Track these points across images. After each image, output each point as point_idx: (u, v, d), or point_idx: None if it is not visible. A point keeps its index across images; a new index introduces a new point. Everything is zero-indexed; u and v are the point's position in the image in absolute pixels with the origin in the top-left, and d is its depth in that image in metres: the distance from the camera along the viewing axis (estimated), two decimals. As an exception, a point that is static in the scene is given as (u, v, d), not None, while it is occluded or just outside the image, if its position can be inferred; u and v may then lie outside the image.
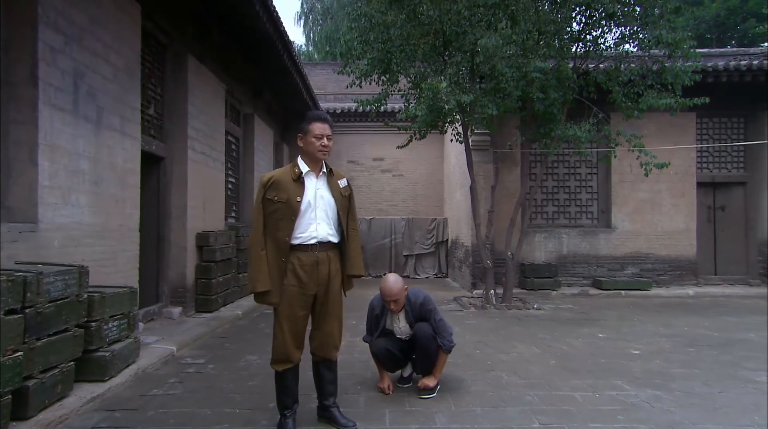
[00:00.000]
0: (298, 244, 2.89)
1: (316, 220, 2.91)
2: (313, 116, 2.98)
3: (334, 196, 2.97)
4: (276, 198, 2.85)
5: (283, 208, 2.85)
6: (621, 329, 6.20)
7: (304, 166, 2.94)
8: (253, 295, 2.91)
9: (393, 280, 3.59)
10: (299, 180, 2.90)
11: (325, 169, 3.01)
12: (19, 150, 3.86)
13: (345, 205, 3.04)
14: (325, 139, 2.92)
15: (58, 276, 3.30)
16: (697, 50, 7.60)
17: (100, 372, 3.67)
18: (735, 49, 12.22)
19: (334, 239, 2.98)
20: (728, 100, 9.77)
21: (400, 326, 3.69)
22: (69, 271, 3.43)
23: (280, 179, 2.89)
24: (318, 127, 2.92)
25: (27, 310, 2.99)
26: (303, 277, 2.88)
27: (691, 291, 9.45)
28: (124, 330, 4.03)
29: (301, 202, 2.87)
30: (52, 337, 3.21)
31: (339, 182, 3.04)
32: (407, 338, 3.71)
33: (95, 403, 3.42)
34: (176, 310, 6.38)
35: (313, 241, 2.90)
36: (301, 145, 2.98)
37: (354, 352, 4.88)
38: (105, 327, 3.77)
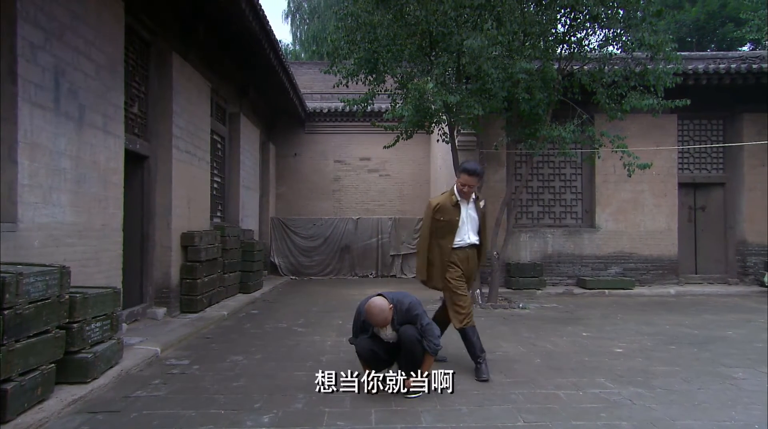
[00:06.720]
0: (457, 247, 4.27)
1: (468, 231, 4.30)
2: (463, 168, 4.23)
3: (477, 215, 4.36)
4: (441, 218, 4.24)
5: (446, 225, 4.24)
6: (604, 328, 6.29)
7: (458, 196, 4.24)
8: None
9: (378, 309, 3.52)
10: (456, 205, 4.24)
11: (473, 197, 4.32)
12: (-2, 148, 3.79)
13: (482, 219, 4.42)
14: (466, 186, 4.18)
15: (38, 276, 3.24)
16: (678, 53, 7.73)
17: (81, 374, 3.61)
18: (714, 52, 12.41)
19: (476, 242, 4.37)
20: (708, 103, 9.94)
21: (387, 334, 3.68)
22: (50, 272, 3.37)
23: (443, 204, 4.25)
24: (464, 178, 4.18)
25: (6, 312, 2.93)
26: (461, 266, 4.26)
27: (672, 290, 9.61)
28: (106, 331, 3.98)
29: (459, 220, 4.24)
30: (32, 339, 3.15)
31: (480, 204, 4.37)
32: (394, 341, 3.71)
33: (77, 406, 3.37)
34: (160, 311, 6.31)
35: (465, 244, 4.30)
36: (458, 179, 4.27)
37: (339, 352, 4.87)
38: (87, 328, 3.71)
